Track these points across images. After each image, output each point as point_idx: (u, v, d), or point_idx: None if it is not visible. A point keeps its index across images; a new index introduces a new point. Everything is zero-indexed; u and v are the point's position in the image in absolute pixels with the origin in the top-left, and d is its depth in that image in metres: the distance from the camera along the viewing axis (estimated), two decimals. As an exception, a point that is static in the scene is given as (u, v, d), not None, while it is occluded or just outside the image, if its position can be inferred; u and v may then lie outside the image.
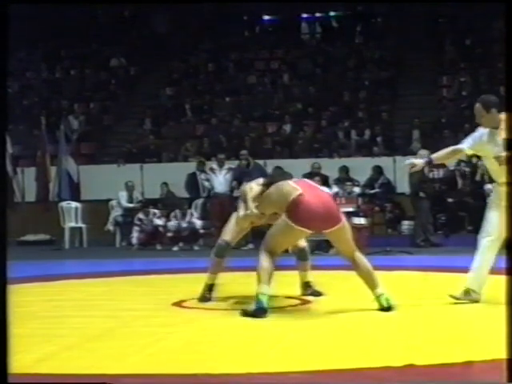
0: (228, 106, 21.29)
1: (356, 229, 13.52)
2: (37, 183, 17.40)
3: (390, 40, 22.47)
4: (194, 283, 8.75)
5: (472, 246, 13.57)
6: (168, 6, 23.41)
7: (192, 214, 15.65)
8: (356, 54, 22.46)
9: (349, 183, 15.31)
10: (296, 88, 21.54)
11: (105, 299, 7.61)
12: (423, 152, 15.25)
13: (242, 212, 6.81)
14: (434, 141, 18.12)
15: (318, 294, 7.25)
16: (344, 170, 16.26)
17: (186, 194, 16.79)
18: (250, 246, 14.15)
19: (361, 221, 13.84)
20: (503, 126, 6.47)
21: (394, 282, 8.37)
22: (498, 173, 6.50)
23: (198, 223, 15.53)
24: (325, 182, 14.94)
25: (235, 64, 22.93)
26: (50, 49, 23.69)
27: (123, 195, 16.86)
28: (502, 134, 6.44)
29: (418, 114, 19.69)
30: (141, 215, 15.75)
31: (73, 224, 16.87)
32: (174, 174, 17.38)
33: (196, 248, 15.24)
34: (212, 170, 16.30)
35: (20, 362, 4.09)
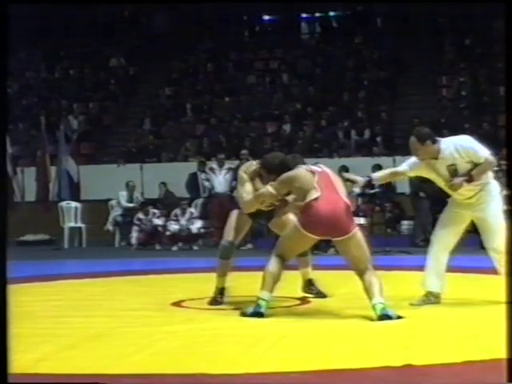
0: (228, 106, 21.30)
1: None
2: (36, 183, 17.40)
3: (390, 40, 22.47)
4: (193, 283, 8.78)
5: (471, 245, 13.59)
6: (168, 6, 23.41)
7: (192, 213, 15.64)
8: (355, 54, 22.47)
9: (348, 183, 15.28)
10: (295, 88, 21.55)
11: (104, 299, 7.61)
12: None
13: (246, 195, 6.71)
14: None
15: (322, 295, 7.23)
16: (343, 169, 16.23)
17: (185, 194, 16.79)
18: (249, 246, 14.13)
19: (360, 220, 13.83)
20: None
21: (393, 282, 8.37)
22: (457, 193, 6.59)
23: (198, 223, 15.54)
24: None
25: (235, 64, 22.94)
26: (49, 49, 23.69)
27: (123, 195, 16.87)
28: (444, 163, 6.49)
29: (418, 113, 19.69)
30: (140, 215, 15.75)
31: (72, 224, 16.87)
32: (173, 174, 17.39)
33: (195, 248, 15.24)
34: (212, 169, 16.31)
35: (19, 361, 4.08)
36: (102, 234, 16.65)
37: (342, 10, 24.92)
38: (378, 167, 16.32)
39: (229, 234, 6.95)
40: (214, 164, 16.51)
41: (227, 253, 6.92)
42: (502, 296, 6.40)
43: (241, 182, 6.82)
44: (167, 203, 16.39)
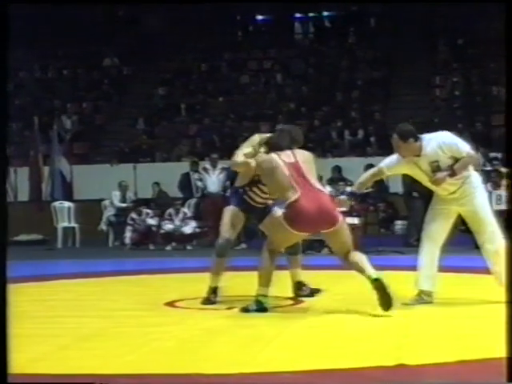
0: (221, 106, 21.31)
1: (349, 229, 13.56)
2: (29, 183, 17.38)
3: (383, 40, 22.50)
4: (187, 283, 8.78)
5: (464, 245, 13.60)
6: (161, 6, 23.40)
7: (185, 214, 15.64)
8: (349, 54, 22.49)
9: (341, 183, 15.31)
10: (289, 88, 21.56)
11: (98, 299, 7.61)
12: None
13: (239, 155, 6.82)
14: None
15: (316, 291, 7.23)
16: (337, 169, 16.27)
17: (178, 194, 16.78)
18: (243, 245, 14.14)
19: (354, 220, 13.83)
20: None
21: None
22: (440, 188, 6.60)
23: (192, 223, 15.53)
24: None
25: (228, 64, 22.95)
26: (42, 49, 23.66)
27: (116, 195, 16.85)
28: (426, 160, 6.52)
29: (411, 113, 19.69)
30: (133, 215, 15.74)
31: (66, 224, 16.85)
32: (167, 174, 17.38)
33: (189, 248, 15.24)
34: (205, 169, 16.31)
35: (14, 361, 4.08)
36: (96, 233, 16.63)
37: (336, 10, 24.95)
38: (371, 167, 16.32)
39: (225, 231, 6.93)
40: (207, 164, 16.51)
41: (223, 250, 6.89)
42: (495, 295, 6.43)
43: (246, 143, 6.92)
44: (160, 203, 16.38)
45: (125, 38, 23.94)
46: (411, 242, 14.60)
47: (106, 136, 21.26)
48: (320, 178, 16.12)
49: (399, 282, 8.38)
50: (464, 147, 6.50)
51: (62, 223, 16.81)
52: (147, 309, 6.75)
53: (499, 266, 6.43)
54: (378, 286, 6.04)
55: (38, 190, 17.35)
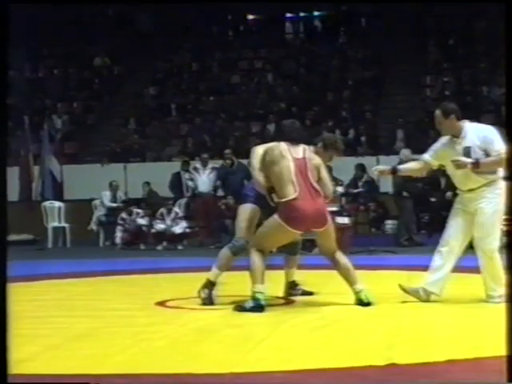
0: (212, 106, 21.30)
1: (339, 228, 13.56)
2: (20, 182, 17.34)
3: (374, 40, 22.52)
4: (178, 283, 8.77)
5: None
6: (152, 5, 23.38)
7: (177, 213, 15.62)
8: (340, 54, 22.52)
9: (332, 183, 15.31)
10: (280, 87, 21.57)
11: (88, 299, 7.59)
12: (406, 152, 15.32)
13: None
14: (417, 140, 18.19)
15: (308, 293, 7.22)
16: (327, 169, 16.25)
17: (169, 194, 16.77)
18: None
19: (344, 220, 13.85)
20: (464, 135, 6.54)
21: (378, 282, 8.39)
22: (462, 180, 6.56)
23: (182, 223, 15.52)
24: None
25: (219, 63, 22.94)
26: (33, 48, 23.59)
27: (106, 195, 16.83)
28: (463, 143, 6.51)
29: (402, 113, 19.76)
30: (124, 215, 15.73)
31: (56, 224, 16.83)
32: (157, 174, 17.36)
33: (180, 247, 15.23)
34: (196, 169, 16.30)
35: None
36: (86, 233, 16.61)
37: (327, 10, 24.96)
38: (361, 166, 16.39)
39: (242, 232, 6.76)
40: (197, 163, 16.50)
41: (240, 251, 6.77)
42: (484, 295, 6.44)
43: (254, 160, 6.68)
44: (151, 203, 16.37)
45: (116, 38, 23.91)
46: (401, 241, 14.65)
47: (96, 136, 21.22)
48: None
49: (390, 282, 8.40)
50: (498, 145, 6.36)
51: (53, 223, 16.78)
52: (138, 308, 6.74)
53: (487, 273, 6.49)
54: (360, 302, 6.46)
55: (29, 189, 17.32)
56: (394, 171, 7.14)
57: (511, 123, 3.47)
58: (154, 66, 23.21)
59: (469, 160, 6.42)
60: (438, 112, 6.67)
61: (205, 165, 16.20)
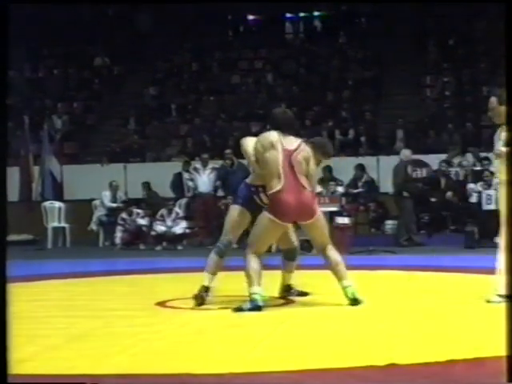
0: (212, 106, 21.29)
1: (339, 228, 13.59)
2: (20, 183, 17.33)
3: (374, 40, 22.51)
4: (178, 283, 8.76)
5: (455, 245, 13.58)
6: (152, 5, 23.37)
7: (177, 214, 15.62)
8: (340, 54, 22.51)
9: (332, 183, 15.33)
10: (280, 88, 21.56)
11: (88, 299, 7.59)
12: (407, 152, 15.32)
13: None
14: (417, 140, 18.20)
15: (304, 294, 7.22)
16: (327, 169, 16.26)
17: (169, 194, 16.76)
18: (234, 245, 14.11)
19: (344, 220, 13.86)
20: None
21: (378, 282, 8.40)
22: (501, 170, 6.48)
23: (182, 223, 15.51)
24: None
25: (219, 63, 22.93)
26: (33, 48, 23.59)
27: (106, 195, 16.83)
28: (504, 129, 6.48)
29: (402, 113, 19.75)
30: (124, 215, 15.73)
31: (56, 224, 16.82)
32: (157, 174, 17.36)
33: (180, 248, 15.23)
34: (196, 169, 16.30)
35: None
36: (86, 233, 16.61)
37: (327, 10, 24.95)
38: (361, 167, 16.40)
39: (228, 232, 6.84)
40: (197, 164, 16.50)
41: (224, 251, 6.82)
42: (487, 295, 6.44)
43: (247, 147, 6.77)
44: (151, 203, 16.36)
45: (116, 38, 23.90)
46: (401, 241, 14.65)
47: (96, 136, 21.21)
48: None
49: (390, 282, 8.40)
50: None
51: (53, 223, 16.78)
52: (138, 309, 6.74)
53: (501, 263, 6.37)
54: (351, 301, 6.48)
55: (29, 189, 17.32)
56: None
57: (511, 123, 3.47)
58: (154, 66, 23.20)
59: (503, 149, 6.35)
60: (492, 99, 6.62)
61: (205, 165, 16.20)
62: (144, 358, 4.59)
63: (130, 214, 15.72)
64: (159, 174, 17.24)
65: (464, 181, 15.66)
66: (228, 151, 16.27)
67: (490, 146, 17.16)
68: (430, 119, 19.25)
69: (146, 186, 17.19)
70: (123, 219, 15.64)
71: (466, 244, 13.57)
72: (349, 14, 24.29)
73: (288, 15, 25.35)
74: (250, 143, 6.74)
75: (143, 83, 22.56)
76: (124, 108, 21.81)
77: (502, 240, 6.33)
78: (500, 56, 14.81)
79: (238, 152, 17.31)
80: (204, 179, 16.05)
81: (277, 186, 6.43)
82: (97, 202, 17.03)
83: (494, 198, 13.69)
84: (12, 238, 16.92)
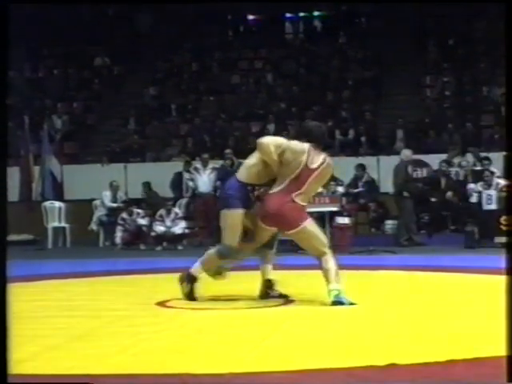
0: (212, 106, 21.30)
1: (339, 228, 13.60)
2: (20, 183, 17.32)
3: (374, 40, 22.52)
4: (178, 283, 8.75)
5: (455, 245, 13.57)
6: (152, 5, 23.37)
7: (177, 214, 15.62)
8: (340, 54, 22.52)
9: (332, 183, 15.32)
10: (280, 87, 21.57)
11: (88, 299, 7.58)
12: (407, 152, 15.32)
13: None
14: (417, 140, 18.21)
15: (284, 296, 6.97)
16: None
17: (169, 194, 16.77)
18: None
19: (344, 220, 13.87)
20: None
21: (378, 282, 8.40)
22: None
23: (182, 223, 15.51)
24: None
25: (219, 63, 22.93)
26: (33, 48, 23.59)
27: (107, 195, 16.83)
28: None
29: (402, 113, 19.75)
30: (124, 215, 15.73)
31: (56, 224, 16.82)
32: (157, 174, 17.37)
33: (180, 248, 15.22)
34: (196, 169, 16.30)
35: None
36: (86, 233, 16.61)
37: (327, 10, 24.95)
38: (361, 166, 16.40)
39: (229, 239, 6.71)
40: (198, 164, 16.50)
41: (226, 256, 6.77)
42: (486, 295, 6.44)
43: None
44: (151, 203, 16.36)
45: (116, 38, 23.90)
46: (401, 241, 14.64)
47: (96, 136, 21.22)
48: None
49: (390, 281, 8.40)
50: None
51: (53, 223, 16.78)
52: (138, 309, 6.73)
53: None
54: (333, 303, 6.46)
55: (29, 189, 17.31)
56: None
57: (511, 123, 3.46)
58: (154, 66, 23.21)
59: None
60: None
61: (205, 165, 16.20)
62: (144, 358, 4.58)
63: (131, 214, 15.72)
64: (159, 174, 17.25)
65: (464, 181, 15.66)
66: (228, 151, 16.28)
67: (490, 146, 17.21)
68: (430, 119, 19.25)
69: (147, 185, 17.19)
70: (123, 219, 15.64)
71: (466, 244, 13.57)
72: (349, 13, 24.29)
73: (288, 15, 25.35)
74: (271, 141, 6.73)
75: (143, 83, 22.56)
76: (124, 108, 21.81)
77: None
78: (500, 56, 14.80)
79: (238, 152, 17.35)
80: (204, 179, 16.05)
81: (273, 189, 6.53)
82: (97, 202, 17.03)
83: (495, 198, 13.71)
84: (12, 237, 16.91)
